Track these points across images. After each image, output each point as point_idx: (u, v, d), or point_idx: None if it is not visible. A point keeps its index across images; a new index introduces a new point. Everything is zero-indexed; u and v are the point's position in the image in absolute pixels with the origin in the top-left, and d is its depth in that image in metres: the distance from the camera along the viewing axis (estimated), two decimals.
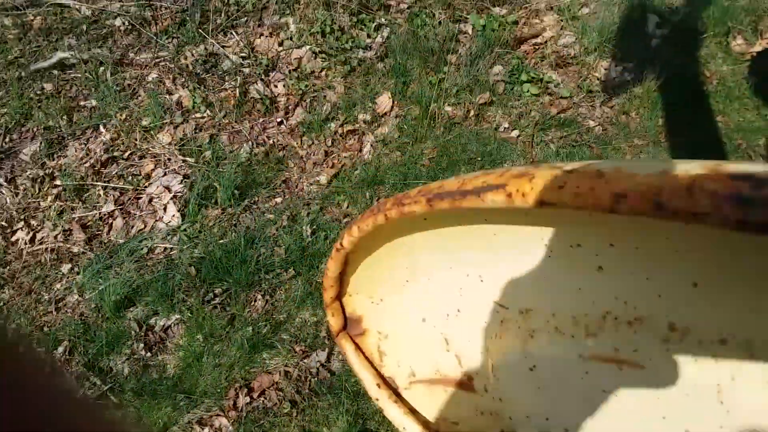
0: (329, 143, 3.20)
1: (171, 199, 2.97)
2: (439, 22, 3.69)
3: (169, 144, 3.22)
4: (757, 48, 3.12)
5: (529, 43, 3.63)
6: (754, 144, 2.80)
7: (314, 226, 2.76)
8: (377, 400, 0.74)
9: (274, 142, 3.24)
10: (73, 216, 3.04)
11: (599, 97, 3.16)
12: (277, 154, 3.16)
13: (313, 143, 3.22)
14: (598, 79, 3.25)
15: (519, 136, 3.06)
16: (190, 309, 2.48)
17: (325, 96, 3.43)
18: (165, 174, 3.08)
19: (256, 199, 2.96)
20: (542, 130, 3.06)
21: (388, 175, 2.95)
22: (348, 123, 3.27)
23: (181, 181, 3.04)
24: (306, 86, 3.46)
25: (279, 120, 3.34)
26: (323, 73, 3.55)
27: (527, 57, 3.51)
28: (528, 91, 3.23)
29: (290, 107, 3.40)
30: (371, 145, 3.15)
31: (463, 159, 2.96)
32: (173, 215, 2.91)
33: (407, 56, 3.50)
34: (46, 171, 3.21)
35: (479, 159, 2.95)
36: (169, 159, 3.16)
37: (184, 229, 2.83)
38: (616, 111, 3.09)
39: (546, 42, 3.59)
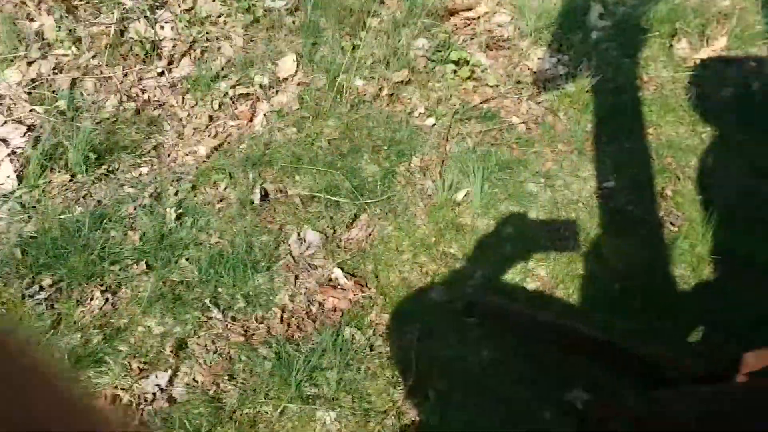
0: (216, 106, 2.72)
1: (8, 155, 2.42)
2: None
3: (18, 84, 2.65)
4: (702, 55, 2.87)
5: (461, 16, 3.24)
6: (683, 164, 2.56)
7: (181, 209, 2.32)
8: None
9: (149, 97, 2.73)
10: None
11: (527, 90, 2.83)
12: (150, 113, 2.66)
13: (196, 104, 2.74)
14: (529, 69, 2.91)
15: (434, 125, 2.69)
16: (5, 303, 2.01)
17: (219, 48, 2.92)
18: (5, 123, 2.52)
19: (117, 166, 2.47)
20: (461, 121, 2.70)
21: (279, 155, 2.52)
22: (242, 85, 2.80)
23: (25, 134, 2.49)
24: (198, 33, 2.94)
25: (160, 70, 2.82)
26: (221, 19, 3.03)
27: (456, 32, 3.12)
28: (452, 73, 2.85)
29: (176, 56, 2.88)
30: (265, 116, 2.69)
31: (368, 145, 2.57)
32: (8, 176, 2.38)
33: (321, 13, 3.03)
34: None
35: (386, 147, 2.58)
36: (13, 104, 2.59)
37: (19, 196, 2.32)
38: (543, 108, 2.77)
39: (479, 18, 3.20)
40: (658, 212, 2.52)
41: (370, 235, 2.35)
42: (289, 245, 2.27)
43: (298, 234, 2.30)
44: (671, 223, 2.53)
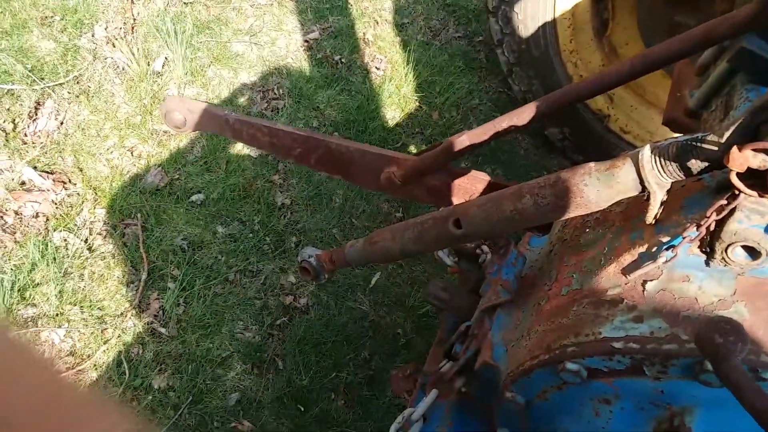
0: None
1: None
2: None
3: None
4: None
5: None
6: (380, 8, 2.63)
7: None
8: None
9: None
10: None
11: None
12: None
13: None
14: None
15: None
16: None
17: None
18: None
19: None
20: None
21: None
22: None
23: None
24: None
25: None
26: None
27: None
28: None
29: None
30: None
31: (34, 17, 2.14)
32: None
33: None
34: None
35: (58, 17, 2.18)
36: None
37: None
38: None
39: None
40: (363, 58, 2.60)
41: (62, 123, 2.03)
42: None
43: None
44: (377, 68, 2.64)
